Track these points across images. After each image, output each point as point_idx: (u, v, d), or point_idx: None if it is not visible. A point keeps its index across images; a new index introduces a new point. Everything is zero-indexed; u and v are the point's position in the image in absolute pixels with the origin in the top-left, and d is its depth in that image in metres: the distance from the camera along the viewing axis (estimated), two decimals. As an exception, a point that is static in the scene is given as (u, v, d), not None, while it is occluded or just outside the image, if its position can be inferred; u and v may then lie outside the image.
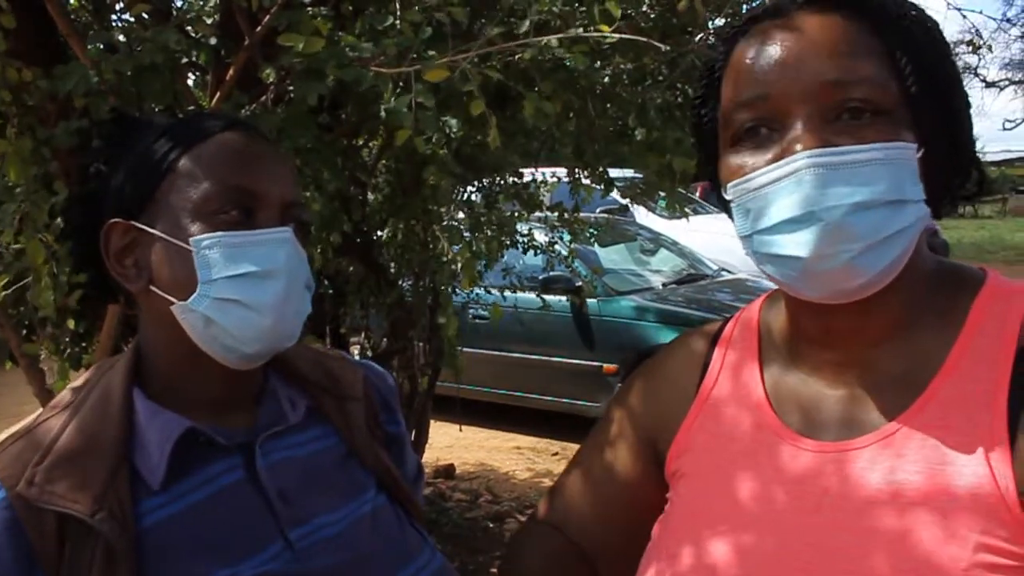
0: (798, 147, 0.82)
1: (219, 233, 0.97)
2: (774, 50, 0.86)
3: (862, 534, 0.84)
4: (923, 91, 0.85)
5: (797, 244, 0.82)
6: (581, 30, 1.76)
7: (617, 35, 1.66)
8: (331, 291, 3.80)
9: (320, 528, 1.01)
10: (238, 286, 0.96)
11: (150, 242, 1.00)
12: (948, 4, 4.03)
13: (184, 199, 0.98)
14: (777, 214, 0.83)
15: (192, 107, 2.43)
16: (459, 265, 2.88)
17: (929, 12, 0.91)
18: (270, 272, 0.97)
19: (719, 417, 1.00)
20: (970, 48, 4.16)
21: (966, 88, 0.92)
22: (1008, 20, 18.91)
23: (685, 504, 1.00)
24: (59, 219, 2.03)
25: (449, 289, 4.11)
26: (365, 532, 1.05)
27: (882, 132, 0.82)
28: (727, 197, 0.90)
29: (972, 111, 0.93)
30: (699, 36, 2.70)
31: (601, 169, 3.63)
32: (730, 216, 0.96)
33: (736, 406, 0.99)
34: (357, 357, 4.42)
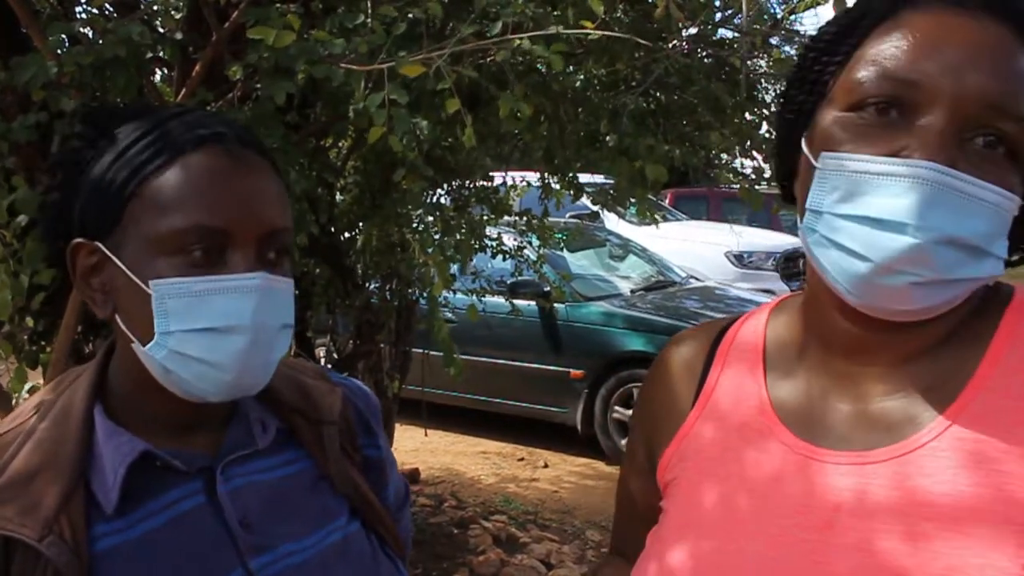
0: (919, 153, 0.76)
1: (180, 279, 0.88)
2: (946, 41, 0.78)
3: (877, 555, 0.78)
4: None
5: (872, 246, 0.76)
6: (561, 28, 1.74)
7: (599, 32, 1.64)
8: (297, 293, 3.75)
9: (284, 556, 0.97)
10: (197, 342, 0.89)
11: (115, 268, 0.92)
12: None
13: (148, 231, 0.90)
14: (868, 208, 0.77)
15: (157, 104, 2.39)
16: (432, 269, 2.87)
17: None
18: (233, 328, 0.89)
19: (719, 425, 0.95)
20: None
21: None
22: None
23: (680, 513, 0.94)
24: (20, 217, 1.97)
25: (416, 293, 4.08)
26: (333, 560, 1.00)
27: (1001, 175, 0.77)
28: (815, 164, 0.82)
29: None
30: (672, 43, 2.69)
31: (571, 175, 3.63)
32: (787, 172, 0.90)
33: (738, 415, 0.94)
34: (323, 360, 4.41)
